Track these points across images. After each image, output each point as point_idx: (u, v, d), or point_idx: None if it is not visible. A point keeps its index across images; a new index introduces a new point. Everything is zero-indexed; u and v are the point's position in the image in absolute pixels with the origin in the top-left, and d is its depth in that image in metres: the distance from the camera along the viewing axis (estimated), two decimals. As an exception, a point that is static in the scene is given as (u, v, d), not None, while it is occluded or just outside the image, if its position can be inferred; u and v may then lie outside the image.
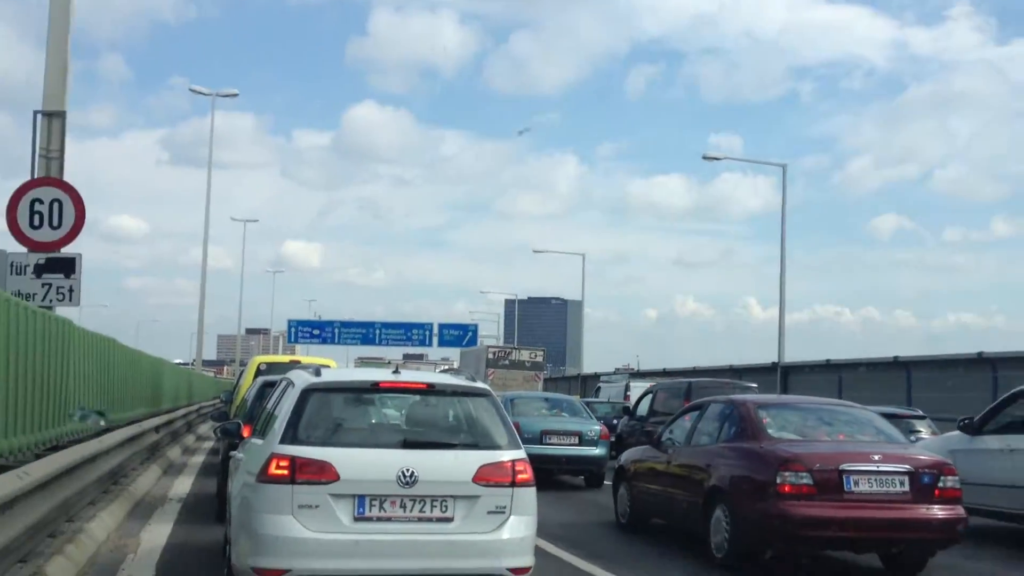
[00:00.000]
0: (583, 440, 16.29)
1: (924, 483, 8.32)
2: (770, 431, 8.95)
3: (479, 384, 6.79)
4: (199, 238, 43.30)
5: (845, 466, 8.25)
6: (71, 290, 11.40)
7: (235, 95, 43.30)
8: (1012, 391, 11.75)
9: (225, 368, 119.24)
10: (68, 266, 11.42)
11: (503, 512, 6.11)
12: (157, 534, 9.81)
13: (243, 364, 45.51)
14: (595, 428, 16.75)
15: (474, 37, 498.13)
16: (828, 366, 31.93)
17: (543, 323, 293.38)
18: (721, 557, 8.74)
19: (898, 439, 9.17)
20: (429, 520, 5.97)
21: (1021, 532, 11.13)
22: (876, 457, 8.40)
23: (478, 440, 6.39)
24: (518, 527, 6.14)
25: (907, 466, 8.35)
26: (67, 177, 12.11)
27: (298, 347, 68.17)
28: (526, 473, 6.25)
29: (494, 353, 42.42)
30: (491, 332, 68.91)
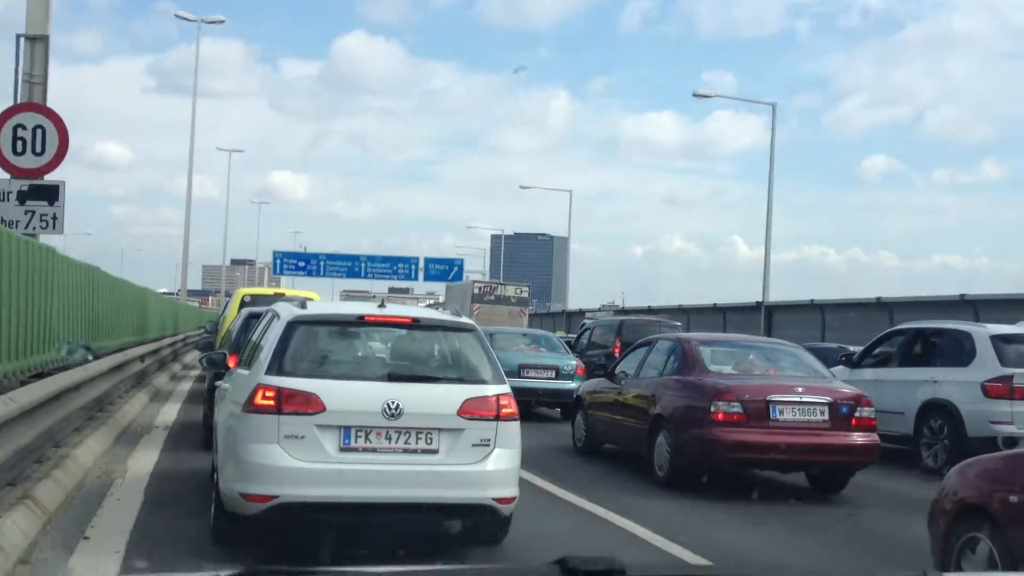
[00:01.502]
0: (560, 374, 17.20)
1: (842, 413, 9.50)
2: (708, 366, 10.11)
3: (464, 319, 7.03)
4: (185, 167, 44.19)
5: (772, 397, 9.42)
6: (54, 218, 11.47)
7: (221, 22, 43.66)
8: (885, 331, 14.25)
9: (210, 299, 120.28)
10: (51, 193, 11.48)
11: (488, 445, 6.30)
12: (144, 460, 10.17)
13: (228, 295, 46.54)
14: (571, 363, 17.71)
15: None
16: (812, 306, 32.84)
17: (529, 259, 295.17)
18: (662, 476, 9.94)
19: (823, 374, 10.35)
20: (414, 452, 6.16)
21: (900, 450, 12.48)
22: (799, 389, 9.57)
23: (463, 374, 6.60)
24: (502, 459, 6.34)
25: (827, 397, 9.53)
26: (51, 103, 12.10)
27: (283, 279, 69.02)
28: (510, 407, 6.46)
29: (480, 288, 43.34)
30: (477, 267, 69.79)
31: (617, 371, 11.80)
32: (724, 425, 9.36)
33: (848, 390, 9.91)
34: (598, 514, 8.42)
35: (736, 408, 9.38)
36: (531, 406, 16.70)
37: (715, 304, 38.05)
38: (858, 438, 9.53)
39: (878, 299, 29.89)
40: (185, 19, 42.89)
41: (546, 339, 19.82)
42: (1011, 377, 11.52)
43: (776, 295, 35.57)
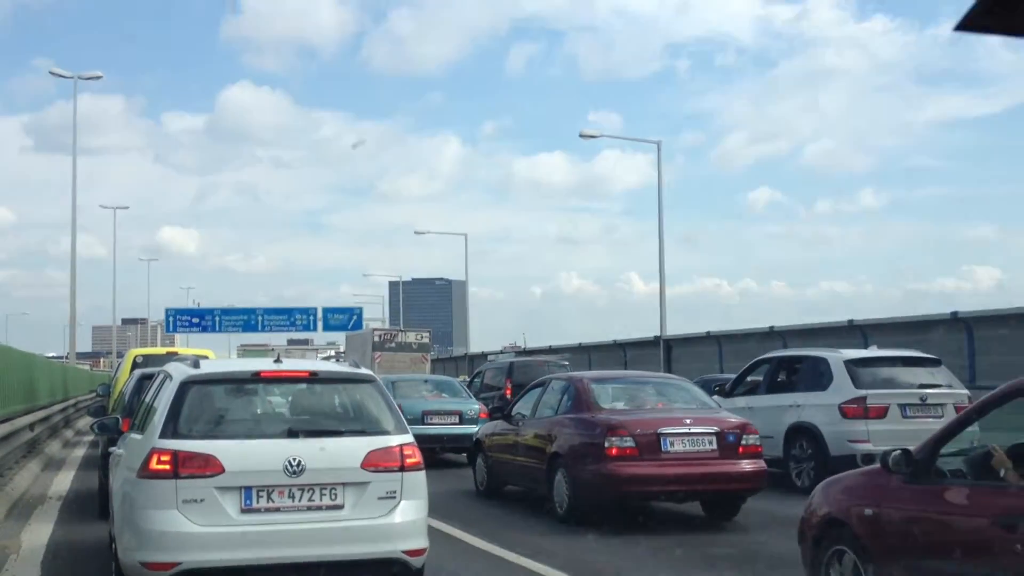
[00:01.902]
0: (463, 419, 17.37)
1: (729, 441, 9.98)
2: (600, 403, 10.51)
3: (363, 370, 7.00)
4: (68, 227, 42.92)
5: (662, 430, 9.86)
6: None
7: (99, 77, 42.71)
8: (751, 361, 15.18)
9: (101, 360, 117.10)
10: None
11: (394, 497, 6.27)
12: (39, 532, 10.03)
13: (120, 356, 45.46)
14: (475, 407, 17.92)
15: (352, 15, 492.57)
16: (709, 338, 33.73)
17: (429, 304, 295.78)
18: (563, 513, 10.26)
19: (710, 404, 10.87)
20: (319, 508, 6.11)
21: (773, 473, 12.82)
22: (688, 421, 10.03)
23: (365, 426, 6.55)
24: (410, 510, 6.31)
25: (715, 427, 10.01)
26: None
27: (177, 336, 67.59)
28: (415, 457, 6.43)
29: (380, 336, 43.29)
30: (376, 315, 69.69)
31: (514, 412, 12.13)
32: (618, 459, 9.74)
33: (734, 419, 10.42)
34: (507, 558, 8.57)
35: (629, 442, 9.77)
36: (436, 453, 16.86)
37: (615, 340, 38.75)
38: (746, 465, 10.01)
39: (771, 328, 30.80)
40: (62, 76, 41.98)
41: (448, 384, 20.06)
42: (865, 398, 12.54)
43: (674, 328, 36.40)
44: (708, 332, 33.95)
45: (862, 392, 12.56)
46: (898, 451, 5.30)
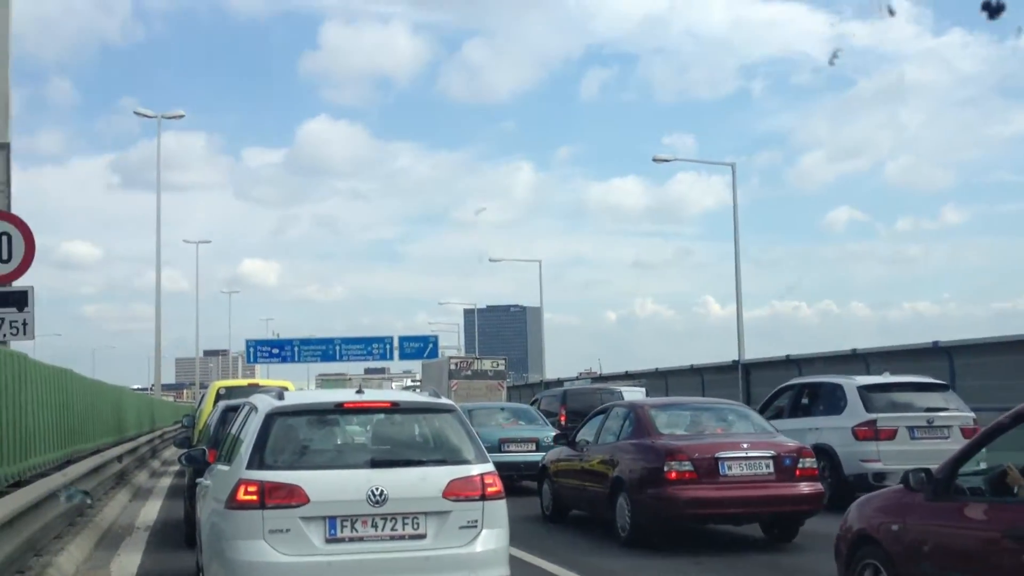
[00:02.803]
0: (540, 446, 17.63)
1: (786, 465, 10.41)
2: (660, 428, 11.01)
3: (443, 400, 7.18)
4: (153, 262, 44.69)
5: (720, 454, 10.33)
6: (24, 324, 11.65)
7: (181, 116, 44.54)
8: (776, 388, 16.57)
9: (184, 392, 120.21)
10: (20, 300, 11.65)
11: (475, 526, 6.41)
12: (128, 563, 10.37)
13: (203, 387, 46.93)
14: (550, 434, 18.24)
15: (427, 46, 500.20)
16: (788, 361, 33.71)
17: (504, 331, 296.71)
18: (626, 537, 10.77)
19: (767, 429, 11.31)
20: (402, 538, 6.28)
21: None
22: (745, 445, 10.49)
23: (446, 456, 6.70)
24: (491, 539, 6.45)
25: (771, 451, 10.45)
26: (16, 206, 12.54)
27: (257, 367, 69.45)
28: (496, 486, 6.57)
29: (456, 364, 43.97)
30: (452, 343, 70.80)
31: (578, 439, 12.69)
32: (678, 483, 10.23)
33: (791, 444, 10.83)
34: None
35: (687, 466, 10.26)
36: (514, 480, 17.07)
37: (692, 365, 38.83)
38: (804, 488, 10.42)
39: (853, 350, 30.65)
40: (145, 116, 43.78)
41: (524, 412, 20.35)
42: (875, 421, 13.66)
43: (752, 352, 36.41)
44: (787, 356, 33.96)
45: (873, 415, 13.72)
46: (920, 471, 5.80)
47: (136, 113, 44.19)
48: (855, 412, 13.93)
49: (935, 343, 26.75)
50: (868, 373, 28.25)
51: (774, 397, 16.51)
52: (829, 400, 14.66)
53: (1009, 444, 5.68)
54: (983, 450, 5.72)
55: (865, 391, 14.11)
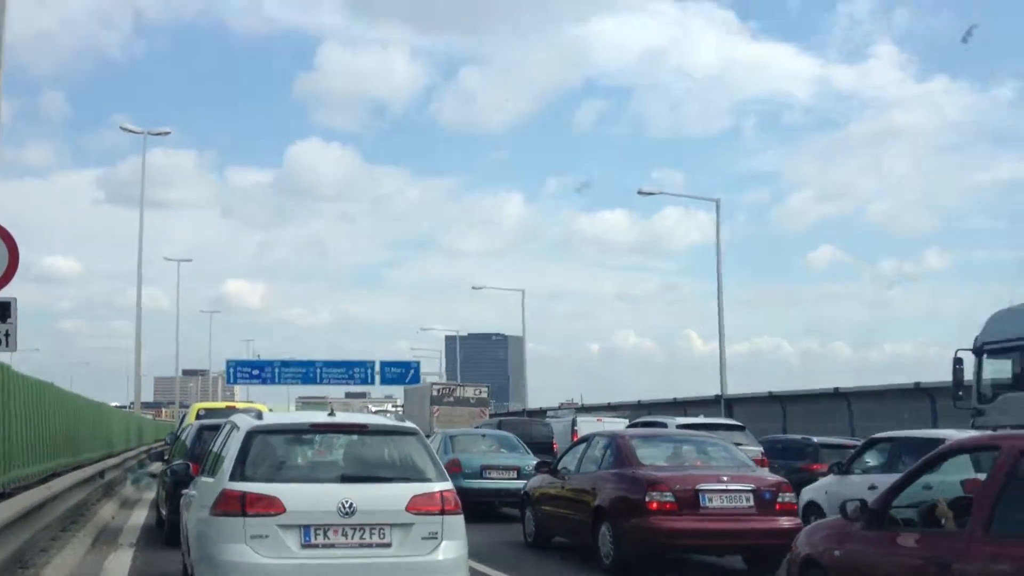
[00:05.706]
0: (521, 474, 17.66)
1: (766, 498, 10.68)
2: (641, 459, 11.25)
3: (407, 424, 8.09)
4: (134, 279, 44.79)
5: (700, 486, 10.59)
6: (7, 335, 11.81)
7: (167, 133, 44.88)
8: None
9: (163, 410, 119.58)
10: (3, 311, 11.79)
11: (436, 537, 7.22)
12: (121, 562, 11.00)
13: (184, 406, 46.88)
14: (532, 462, 18.47)
15: (423, 70, 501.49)
16: (770, 398, 34.06)
17: (485, 359, 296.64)
18: (608, 564, 11.01)
19: (747, 463, 11.58)
20: (370, 546, 7.08)
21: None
22: (725, 478, 10.76)
23: (409, 474, 7.53)
24: (450, 549, 7.26)
25: (751, 485, 10.72)
26: (0, 217, 12.60)
27: (237, 388, 69.30)
28: (453, 502, 7.39)
29: (438, 390, 44.16)
30: (433, 369, 70.74)
31: (560, 467, 12.90)
32: (659, 514, 10.48)
33: (771, 478, 11.11)
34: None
35: (668, 497, 10.51)
36: (496, 507, 17.28)
37: (675, 398, 39.15)
38: (783, 522, 10.65)
39: (835, 389, 31.04)
40: (132, 131, 43.88)
41: (506, 439, 20.41)
42: None
43: (734, 388, 36.74)
44: (770, 392, 34.31)
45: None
46: (856, 501, 6.48)
47: (123, 128, 44.30)
48: None
49: (917, 384, 27.10)
50: (850, 412, 28.98)
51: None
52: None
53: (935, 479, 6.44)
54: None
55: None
